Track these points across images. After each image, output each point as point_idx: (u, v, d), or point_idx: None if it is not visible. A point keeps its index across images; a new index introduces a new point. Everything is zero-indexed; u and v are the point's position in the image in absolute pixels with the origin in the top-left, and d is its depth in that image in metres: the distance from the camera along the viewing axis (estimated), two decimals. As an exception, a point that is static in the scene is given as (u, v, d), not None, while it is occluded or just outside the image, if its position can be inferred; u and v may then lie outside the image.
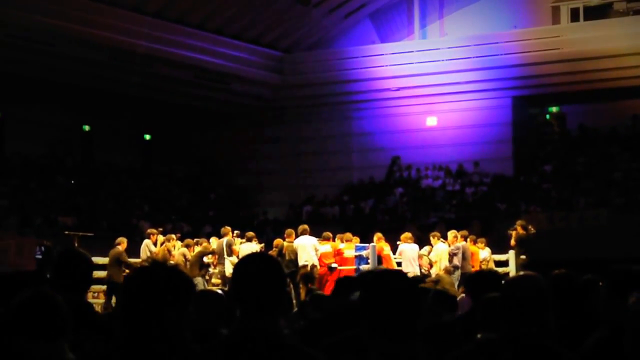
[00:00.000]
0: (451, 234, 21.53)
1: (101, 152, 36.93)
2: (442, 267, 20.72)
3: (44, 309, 4.07)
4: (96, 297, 21.33)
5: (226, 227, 22.17)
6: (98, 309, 17.94)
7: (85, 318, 5.17)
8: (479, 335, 5.47)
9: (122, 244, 20.98)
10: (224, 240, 21.56)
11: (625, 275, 5.26)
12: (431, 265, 21.18)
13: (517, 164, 35.11)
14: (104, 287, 21.87)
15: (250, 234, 22.46)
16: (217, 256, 21.57)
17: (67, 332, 4.11)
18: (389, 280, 3.93)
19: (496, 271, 11.46)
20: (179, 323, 3.55)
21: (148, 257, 20.92)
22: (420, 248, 21.81)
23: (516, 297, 4.10)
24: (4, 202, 29.07)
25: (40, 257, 17.86)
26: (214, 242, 22.05)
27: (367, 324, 3.86)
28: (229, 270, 21.02)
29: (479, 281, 6.87)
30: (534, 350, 4.00)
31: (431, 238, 21.83)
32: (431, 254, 21.62)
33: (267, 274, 3.77)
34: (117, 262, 20.61)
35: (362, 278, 4.30)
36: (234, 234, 22.07)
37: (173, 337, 3.53)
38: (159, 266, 3.67)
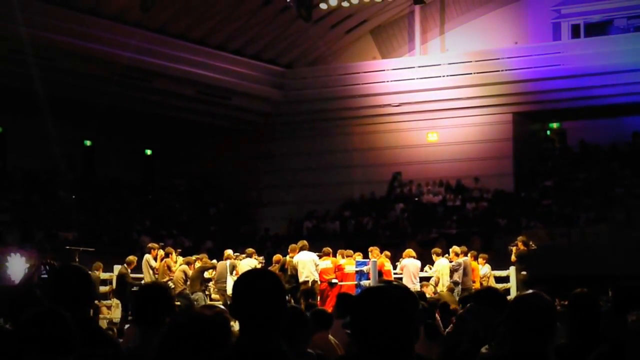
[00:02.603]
0: (453, 250, 21.56)
1: (102, 167, 36.97)
2: (444, 282, 20.72)
3: (52, 324, 4.10)
4: (99, 312, 21.31)
5: (229, 252, 22.28)
6: (101, 324, 17.93)
7: (88, 334, 5.18)
8: (483, 350, 5.48)
9: (130, 264, 21.08)
10: (227, 261, 21.62)
11: (628, 293, 5.28)
12: (436, 292, 21.02)
13: (518, 180, 35.12)
14: (105, 302, 21.94)
15: (250, 250, 22.49)
16: (216, 276, 21.62)
17: (75, 348, 4.14)
18: (375, 296, 3.90)
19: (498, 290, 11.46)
20: None
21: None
22: (422, 264, 21.78)
23: (523, 315, 4.12)
24: (5, 217, 29.09)
25: (46, 276, 17.81)
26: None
27: (360, 342, 3.83)
28: (230, 289, 21.05)
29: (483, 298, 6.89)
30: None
31: (433, 255, 21.84)
32: (432, 269, 21.62)
33: (267, 290, 3.79)
34: (121, 281, 20.72)
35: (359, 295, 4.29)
36: (235, 256, 22.12)
37: None
38: (200, 323, 3.73)
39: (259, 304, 3.73)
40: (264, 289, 3.78)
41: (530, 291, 4.47)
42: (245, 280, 3.87)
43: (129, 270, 21.07)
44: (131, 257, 21.33)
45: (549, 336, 4.10)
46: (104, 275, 21.56)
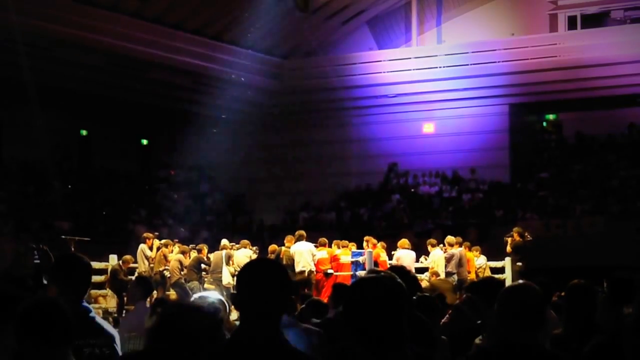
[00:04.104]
0: (446, 241, 21.61)
1: (98, 157, 36.92)
2: (440, 273, 20.69)
3: (50, 314, 4.10)
4: (93, 302, 21.28)
5: (225, 242, 22.32)
6: (97, 313, 17.89)
7: (84, 323, 5.18)
8: (477, 341, 5.49)
9: (125, 263, 20.99)
10: (223, 251, 21.67)
11: (623, 284, 5.29)
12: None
13: (514, 171, 35.15)
14: (101, 291, 21.94)
15: (245, 242, 22.53)
16: (212, 267, 21.69)
17: (71, 337, 4.14)
18: (365, 288, 3.91)
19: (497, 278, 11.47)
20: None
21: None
22: (417, 255, 21.81)
23: (511, 306, 4.13)
24: (1, 207, 29.04)
25: (38, 261, 17.80)
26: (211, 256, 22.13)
27: (352, 333, 3.84)
28: (226, 279, 21.19)
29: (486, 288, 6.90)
30: (538, 356, 4.02)
31: (428, 246, 21.86)
32: (428, 260, 21.64)
33: (272, 279, 3.76)
34: (114, 277, 20.71)
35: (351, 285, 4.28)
36: (232, 246, 22.18)
37: None
38: (191, 313, 3.72)
39: (262, 295, 3.71)
40: (267, 278, 3.75)
41: (519, 281, 4.48)
42: (248, 270, 3.85)
43: (124, 269, 20.96)
44: (128, 257, 21.23)
45: (538, 326, 4.10)
46: (100, 265, 21.53)
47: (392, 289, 3.86)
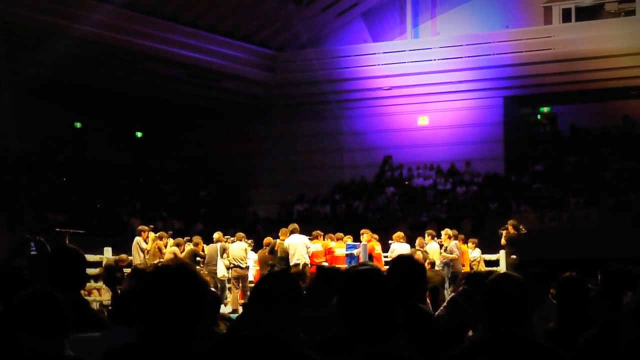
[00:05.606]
0: (445, 233, 21.63)
1: (93, 149, 36.86)
2: (435, 266, 20.71)
3: (45, 306, 4.10)
4: (87, 294, 21.26)
5: (219, 234, 22.31)
6: (92, 306, 17.89)
7: (81, 315, 5.18)
8: (470, 334, 5.50)
9: (122, 262, 20.90)
10: (217, 244, 21.67)
11: (617, 275, 5.31)
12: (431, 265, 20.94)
13: (509, 164, 35.18)
14: (95, 284, 21.92)
15: (240, 234, 22.52)
16: (207, 259, 21.71)
17: (68, 329, 4.14)
18: (357, 279, 3.93)
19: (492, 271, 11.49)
20: (193, 324, 3.59)
21: (143, 262, 20.93)
22: (412, 247, 21.81)
23: (493, 297, 4.09)
24: (-6, 199, 28.98)
25: (34, 253, 17.77)
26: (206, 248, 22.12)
27: (345, 325, 3.86)
28: (221, 271, 21.22)
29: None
30: (529, 348, 4.02)
31: (426, 235, 21.88)
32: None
33: (285, 293, 3.81)
34: (109, 272, 20.67)
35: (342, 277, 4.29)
36: (226, 239, 22.19)
37: (186, 338, 3.57)
38: (175, 269, 3.70)
39: (276, 306, 3.77)
40: (282, 293, 3.80)
41: (501, 272, 4.46)
42: (265, 283, 3.90)
43: (120, 267, 20.90)
44: (124, 256, 21.19)
45: (523, 317, 4.05)
46: (94, 258, 21.51)
47: (379, 281, 3.87)
